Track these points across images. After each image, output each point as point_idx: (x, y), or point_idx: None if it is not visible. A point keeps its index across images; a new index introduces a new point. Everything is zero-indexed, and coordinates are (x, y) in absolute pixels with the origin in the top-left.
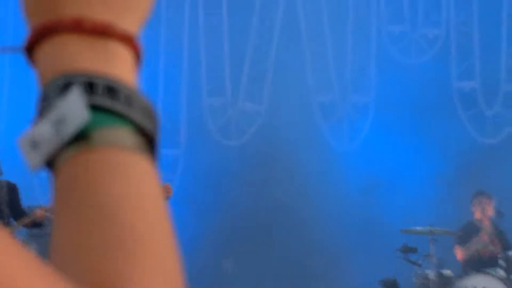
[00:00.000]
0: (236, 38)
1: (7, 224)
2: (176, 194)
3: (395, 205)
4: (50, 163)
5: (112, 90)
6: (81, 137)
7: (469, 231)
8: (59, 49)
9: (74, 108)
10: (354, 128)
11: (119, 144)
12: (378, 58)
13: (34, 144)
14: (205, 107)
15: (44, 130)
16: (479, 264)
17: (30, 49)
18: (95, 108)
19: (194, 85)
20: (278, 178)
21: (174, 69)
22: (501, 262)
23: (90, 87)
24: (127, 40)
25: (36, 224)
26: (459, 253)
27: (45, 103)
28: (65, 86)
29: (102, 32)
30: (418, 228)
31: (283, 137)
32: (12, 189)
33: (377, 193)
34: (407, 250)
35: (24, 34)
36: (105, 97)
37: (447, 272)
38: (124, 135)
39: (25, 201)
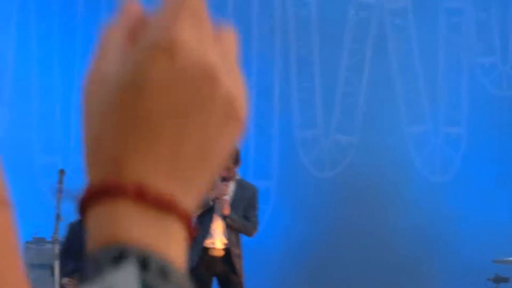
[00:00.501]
0: (328, 71)
1: None
2: (268, 225)
3: (487, 235)
4: None
5: (164, 271)
6: None
7: None
8: (117, 214)
9: (126, 282)
10: (446, 159)
11: None
12: (470, 90)
13: None
14: (297, 139)
15: None
16: None
17: (85, 203)
18: (144, 285)
19: (286, 117)
20: (371, 208)
21: (266, 101)
22: None
23: (143, 262)
24: (186, 218)
25: None
26: None
27: (96, 269)
28: (119, 256)
29: (165, 206)
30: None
31: (376, 168)
32: None
33: (469, 222)
34: (499, 280)
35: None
36: (157, 277)
37: None
38: None
39: None
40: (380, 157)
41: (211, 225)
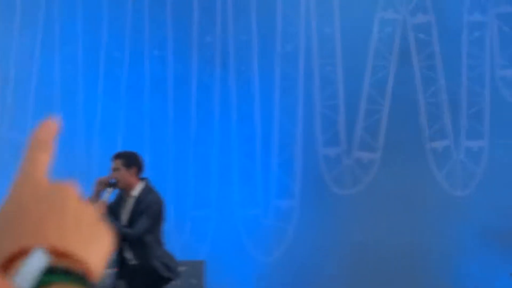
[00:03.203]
0: (350, 88)
1: None
2: (293, 240)
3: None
4: None
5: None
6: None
7: None
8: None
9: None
10: (468, 173)
11: None
12: (492, 102)
13: None
14: (320, 157)
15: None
16: None
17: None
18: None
19: (309, 135)
20: (395, 223)
21: (289, 119)
22: None
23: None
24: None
25: None
26: None
27: None
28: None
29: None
30: None
31: (398, 184)
32: None
33: (493, 236)
34: None
35: None
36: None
37: None
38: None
39: None
40: (402, 173)
41: None
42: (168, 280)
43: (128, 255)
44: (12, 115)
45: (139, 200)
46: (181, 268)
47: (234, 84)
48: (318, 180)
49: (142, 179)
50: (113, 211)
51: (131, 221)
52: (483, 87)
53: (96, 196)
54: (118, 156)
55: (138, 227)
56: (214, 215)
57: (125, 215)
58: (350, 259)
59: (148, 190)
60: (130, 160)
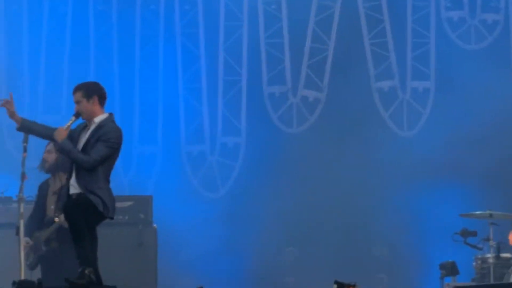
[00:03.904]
0: (295, 26)
1: None
2: (237, 181)
3: (454, 188)
4: None
5: None
6: None
7: None
8: None
9: None
10: (413, 113)
11: None
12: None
13: None
14: (265, 95)
15: None
16: None
17: None
18: None
19: (254, 73)
20: (341, 160)
21: (234, 58)
22: None
23: None
24: None
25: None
26: None
27: None
28: None
29: None
30: (478, 212)
31: (343, 123)
32: None
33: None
34: (467, 234)
35: None
36: None
37: (506, 255)
38: None
39: None
40: (348, 112)
41: None
42: (102, 216)
43: (73, 181)
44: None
45: (99, 125)
46: (129, 203)
47: (179, 22)
48: (264, 118)
49: (109, 113)
50: (73, 137)
51: (86, 145)
52: (428, 29)
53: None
54: (77, 88)
55: (94, 155)
56: (160, 151)
57: (83, 140)
58: (295, 195)
59: (110, 120)
60: (90, 91)
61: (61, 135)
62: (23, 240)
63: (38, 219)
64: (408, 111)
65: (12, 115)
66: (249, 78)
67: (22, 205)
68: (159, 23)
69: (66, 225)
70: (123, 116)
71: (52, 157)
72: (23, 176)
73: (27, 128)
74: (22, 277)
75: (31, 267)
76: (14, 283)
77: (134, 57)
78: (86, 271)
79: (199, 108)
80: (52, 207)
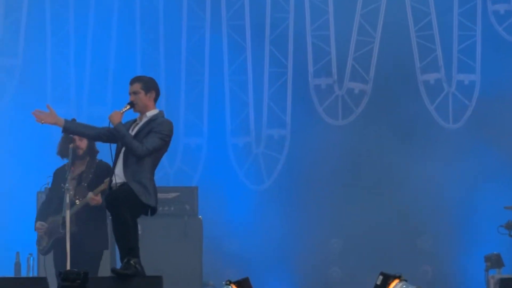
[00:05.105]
0: (341, 19)
1: None
2: (282, 174)
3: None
4: None
5: None
6: None
7: None
8: None
9: None
10: (459, 106)
11: None
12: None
13: None
14: (311, 87)
15: None
16: None
17: None
18: None
19: (300, 65)
20: (386, 152)
21: (280, 50)
22: None
23: None
24: None
25: None
26: None
27: None
28: None
29: None
30: None
31: (389, 116)
32: (107, 169)
33: (484, 169)
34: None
35: None
36: None
37: None
38: None
39: None
40: (393, 104)
41: None
42: (144, 207)
43: (118, 171)
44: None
45: (151, 119)
46: (174, 194)
47: (225, 14)
48: (309, 110)
49: (160, 110)
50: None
51: (136, 137)
52: (474, 22)
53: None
54: (137, 79)
55: (147, 144)
56: (206, 143)
57: (132, 133)
58: (340, 186)
59: (162, 115)
60: (149, 84)
61: (116, 118)
62: (43, 225)
63: (54, 204)
64: (453, 104)
65: (54, 122)
66: (295, 70)
67: (68, 196)
68: (206, 15)
69: (80, 206)
70: (168, 107)
71: (84, 143)
72: (69, 166)
73: (70, 129)
74: (68, 268)
75: (44, 252)
76: (60, 273)
77: (180, 48)
78: (132, 262)
79: (245, 100)
80: (72, 192)
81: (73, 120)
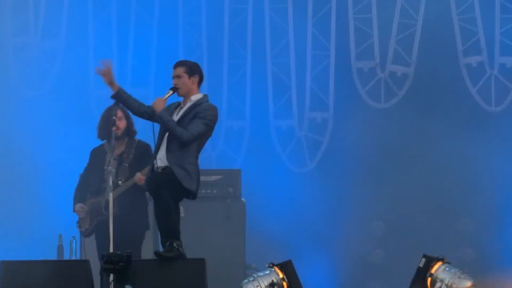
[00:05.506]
0: (384, 3)
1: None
2: (325, 157)
3: None
4: None
5: None
6: None
7: None
8: None
9: None
10: (501, 89)
11: None
12: None
13: None
14: (354, 70)
15: None
16: None
17: None
18: None
19: (342, 48)
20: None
21: (322, 33)
22: None
23: None
24: None
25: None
26: None
27: None
28: None
29: None
30: None
31: (432, 98)
32: (147, 149)
33: None
34: None
35: None
36: None
37: None
38: None
39: None
40: (436, 87)
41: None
42: (186, 191)
43: (161, 155)
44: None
45: (196, 104)
46: (217, 177)
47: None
48: (352, 93)
49: (204, 94)
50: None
51: (180, 122)
52: None
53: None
54: (180, 63)
55: (192, 129)
56: (249, 126)
57: (175, 118)
58: (382, 169)
59: (206, 100)
60: (193, 68)
61: (159, 105)
62: (82, 207)
63: (94, 185)
64: (496, 87)
65: (110, 82)
66: (337, 53)
67: (110, 179)
68: None
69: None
70: (211, 90)
71: (123, 123)
72: (112, 149)
73: (121, 97)
74: (111, 251)
75: (86, 234)
76: (103, 256)
77: (223, 31)
78: (175, 244)
79: (287, 83)
80: (114, 171)
81: (122, 89)
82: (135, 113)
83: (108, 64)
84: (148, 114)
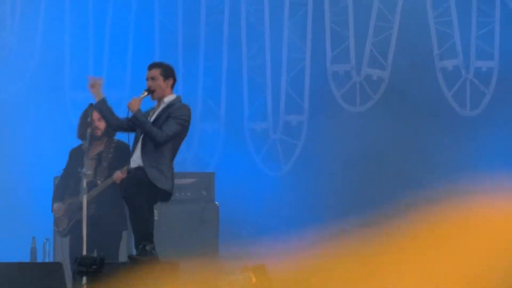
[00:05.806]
0: (359, 4)
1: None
2: (300, 160)
3: None
4: None
5: None
6: None
7: None
8: None
9: None
10: (476, 93)
11: None
12: (502, 24)
13: None
14: (329, 73)
15: None
16: None
17: None
18: None
19: (318, 50)
20: (402, 138)
21: (298, 35)
22: None
23: None
24: None
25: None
26: None
27: None
28: None
29: None
30: None
31: (407, 102)
32: (126, 149)
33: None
34: None
35: None
36: None
37: None
38: None
39: None
40: (411, 92)
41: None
42: (160, 192)
43: (136, 157)
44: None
45: (169, 105)
46: (191, 180)
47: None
48: (327, 96)
49: (177, 95)
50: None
51: (154, 124)
52: (493, 9)
53: None
54: (155, 65)
55: (166, 130)
56: (223, 128)
57: (150, 120)
58: (357, 172)
59: (179, 101)
60: (168, 71)
61: (135, 105)
62: (60, 207)
63: (72, 185)
64: (471, 91)
65: (95, 91)
66: (313, 55)
67: (85, 181)
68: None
69: (103, 187)
70: (186, 92)
71: (103, 124)
72: (87, 150)
73: (101, 108)
74: (84, 253)
75: (63, 233)
76: (76, 258)
77: (199, 32)
78: (147, 247)
79: (262, 86)
80: (90, 172)
81: (105, 100)
82: (113, 128)
83: (99, 81)
84: (127, 125)
